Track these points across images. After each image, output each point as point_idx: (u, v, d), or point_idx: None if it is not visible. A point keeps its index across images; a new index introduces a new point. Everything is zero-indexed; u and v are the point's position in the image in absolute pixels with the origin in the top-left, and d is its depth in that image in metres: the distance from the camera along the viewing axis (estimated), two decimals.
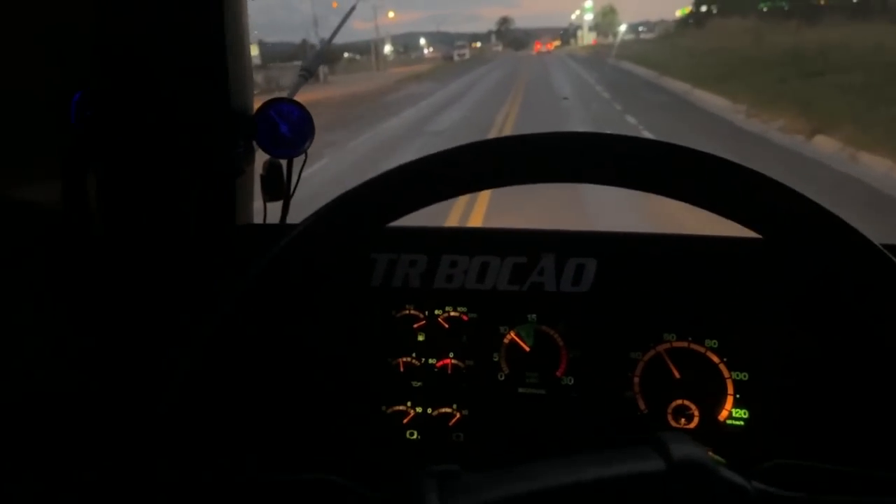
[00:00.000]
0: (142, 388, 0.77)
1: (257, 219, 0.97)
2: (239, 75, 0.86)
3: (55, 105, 0.82)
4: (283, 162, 0.94)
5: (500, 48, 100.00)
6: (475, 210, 5.16)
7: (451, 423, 0.82)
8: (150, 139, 0.84)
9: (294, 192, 0.96)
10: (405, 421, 0.82)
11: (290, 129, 0.86)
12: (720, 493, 0.43)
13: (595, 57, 37.14)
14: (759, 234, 0.49)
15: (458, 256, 0.80)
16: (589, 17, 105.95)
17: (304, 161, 0.95)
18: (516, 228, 0.83)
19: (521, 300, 0.80)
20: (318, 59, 1.25)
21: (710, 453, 0.45)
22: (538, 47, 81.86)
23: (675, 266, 0.77)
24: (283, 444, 0.81)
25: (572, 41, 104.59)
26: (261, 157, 0.95)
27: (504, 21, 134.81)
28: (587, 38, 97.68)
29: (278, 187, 0.95)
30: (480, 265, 0.80)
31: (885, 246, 0.46)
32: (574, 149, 0.51)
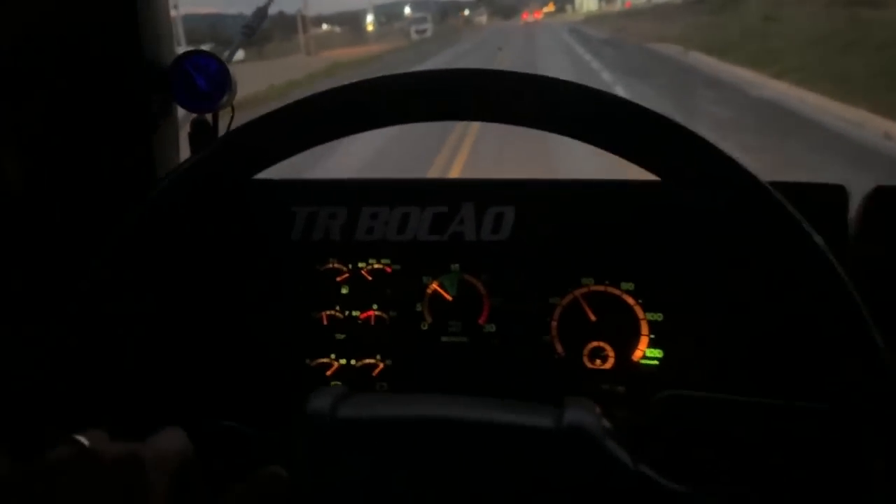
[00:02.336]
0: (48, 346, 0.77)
1: None
2: (152, 26, 0.84)
3: None
4: (210, 119, 0.93)
5: (483, 18, 77.85)
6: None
7: (374, 374, 0.82)
8: (62, 94, 0.82)
9: None
10: (329, 373, 0.83)
11: (207, 82, 0.85)
12: (600, 465, 0.44)
13: (615, 36, 23.09)
14: (657, 175, 0.50)
15: (379, 208, 0.80)
16: None
17: (232, 117, 0.93)
18: (435, 178, 0.82)
19: (442, 250, 0.80)
20: (261, 15, 1.22)
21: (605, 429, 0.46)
22: (525, 17, 67.87)
23: (591, 211, 0.77)
24: (206, 400, 0.81)
25: (569, 8, 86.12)
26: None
27: None
28: (589, 4, 79.77)
29: (205, 145, 0.94)
30: (401, 216, 0.80)
31: (776, 183, 0.46)
32: (473, 84, 0.50)
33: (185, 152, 0.96)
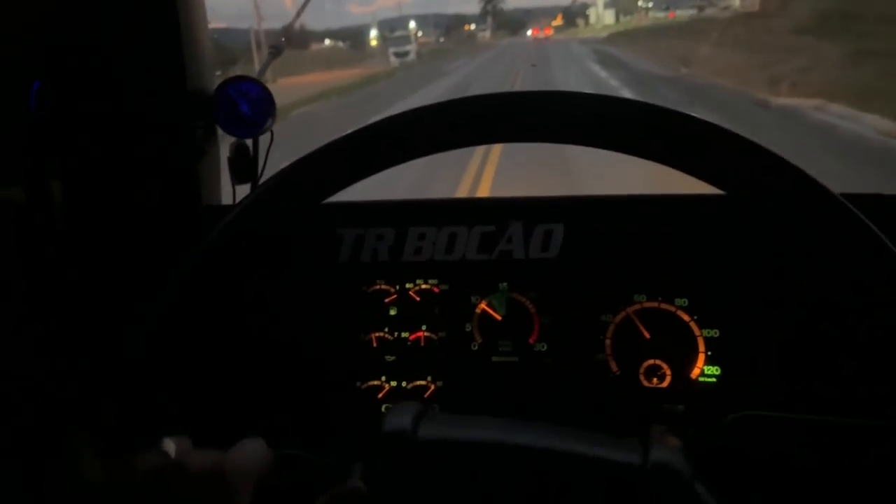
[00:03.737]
0: (100, 376, 0.77)
1: (228, 201, 0.97)
2: (195, 54, 0.85)
3: (14, 96, 0.81)
4: (251, 143, 0.93)
5: (487, 34, 68.70)
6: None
7: (426, 396, 0.82)
8: (107, 125, 0.83)
9: (263, 172, 0.95)
10: (380, 395, 0.82)
11: (250, 107, 0.85)
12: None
13: (679, 74, 14.02)
14: (721, 189, 0.49)
15: (426, 228, 0.79)
16: None
17: (271, 141, 0.93)
18: (482, 197, 0.82)
19: (491, 269, 0.79)
20: (287, 36, 1.23)
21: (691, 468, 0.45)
22: (535, 33, 58.88)
23: (641, 227, 0.76)
24: (260, 423, 0.81)
25: (580, 22, 75.19)
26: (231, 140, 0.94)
27: None
28: (605, 17, 67.31)
29: (246, 168, 0.94)
30: (448, 236, 0.79)
31: (844, 195, 0.45)
32: (530, 107, 0.50)
33: (225, 174, 0.97)
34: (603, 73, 15.59)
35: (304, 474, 0.53)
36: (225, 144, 0.96)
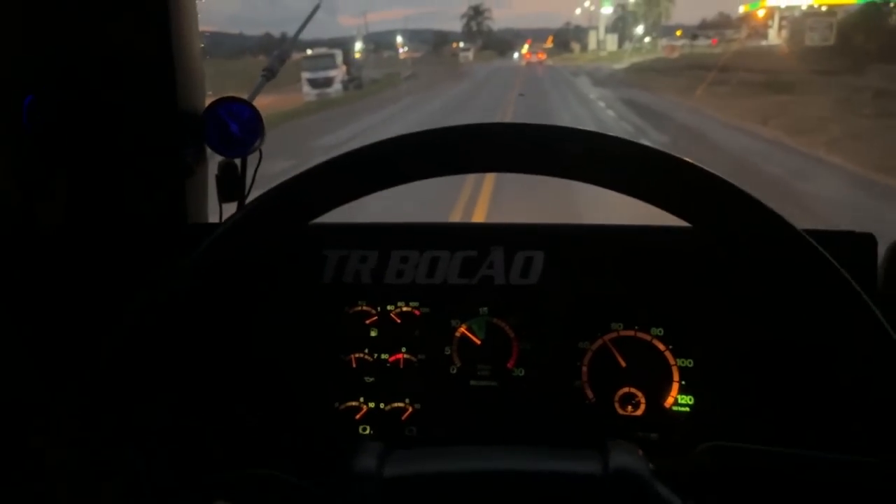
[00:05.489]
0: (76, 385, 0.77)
1: (214, 219, 0.97)
2: (188, 74, 0.87)
3: (6, 108, 0.82)
4: (238, 162, 0.94)
5: (469, 54, 60.12)
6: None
7: (403, 418, 0.82)
8: (99, 141, 0.84)
9: (250, 191, 0.96)
10: (358, 417, 0.83)
11: (240, 128, 0.87)
12: None
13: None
14: (688, 222, 0.50)
15: (409, 252, 0.81)
16: (607, 9, 61.85)
17: (259, 161, 0.95)
18: (465, 223, 0.84)
19: (471, 293, 0.80)
20: (281, 58, 1.23)
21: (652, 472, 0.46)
22: (528, 57, 49.58)
23: (620, 256, 0.78)
24: (235, 442, 0.81)
25: (575, 47, 66.68)
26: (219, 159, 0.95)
27: (476, 13, 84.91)
28: (607, 42, 57.73)
29: (233, 187, 0.95)
30: (431, 259, 0.81)
31: (807, 231, 0.47)
32: (496, 140, 0.51)
33: (212, 193, 0.97)
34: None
35: (280, 495, 0.53)
36: (212, 163, 0.97)
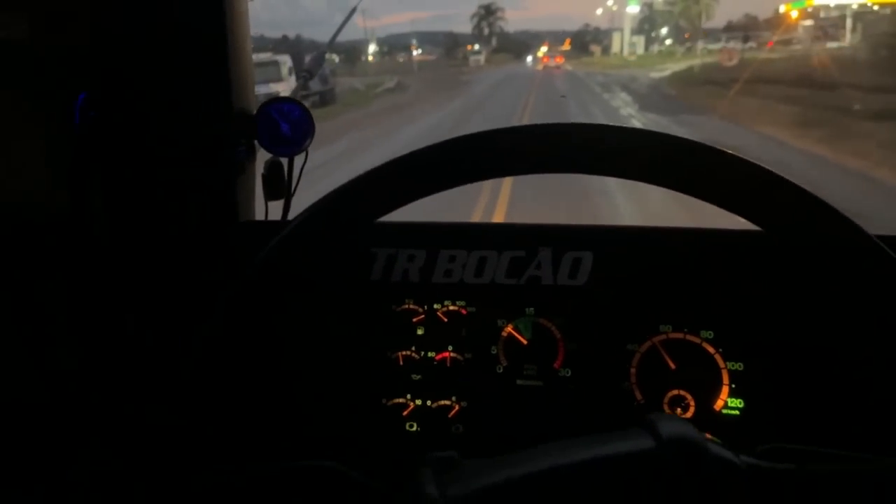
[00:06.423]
0: (146, 388, 0.78)
1: (260, 216, 0.99)
2: (240, 75, 0.88)
3: (59, 107, 0.84)
4: (284, 161, 0.96)
5: (481, 58, 57.96)
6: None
7: (450, 415, 0.83)
8: (153, 139, 0.85)
9: (296, 190, 0.97)
10: (405, 413, 0.84)
11: (290, 127, 0.88)
12: (711, 469, 0.44)
13: None
14: (759, 226, 0.51)
15: (457, 251, 0.81)
16: (634, 8, 57.09)
17: (305, 159, 0.96)
18: (513, 223, 0.84)
19: (519, 293, 0.81)
20: (319, 60, 1.25)
21: (701, 433, 0.46)
22: (545, 61, 47.94)
23: (670, 258, 0.78)
24: (286, 438, 0.82)
25: (595, 50, 61.49)
26: (262, 156, 0.97)
27: (488, 13, 78.02)
28: (637, 45, 53.76)
29: (279, 185, 0.96)
30: (479, 259, 0.81)
31: (881, 237, 0.47)
32: (565, 140, 0.51)
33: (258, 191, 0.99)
34: None
35: (336, 487, 0.54)
36: (259, 162, 0.98)
